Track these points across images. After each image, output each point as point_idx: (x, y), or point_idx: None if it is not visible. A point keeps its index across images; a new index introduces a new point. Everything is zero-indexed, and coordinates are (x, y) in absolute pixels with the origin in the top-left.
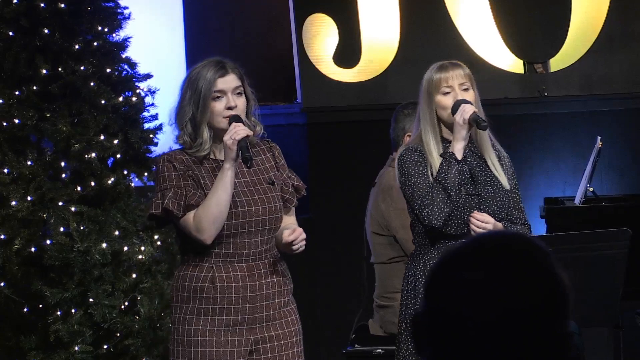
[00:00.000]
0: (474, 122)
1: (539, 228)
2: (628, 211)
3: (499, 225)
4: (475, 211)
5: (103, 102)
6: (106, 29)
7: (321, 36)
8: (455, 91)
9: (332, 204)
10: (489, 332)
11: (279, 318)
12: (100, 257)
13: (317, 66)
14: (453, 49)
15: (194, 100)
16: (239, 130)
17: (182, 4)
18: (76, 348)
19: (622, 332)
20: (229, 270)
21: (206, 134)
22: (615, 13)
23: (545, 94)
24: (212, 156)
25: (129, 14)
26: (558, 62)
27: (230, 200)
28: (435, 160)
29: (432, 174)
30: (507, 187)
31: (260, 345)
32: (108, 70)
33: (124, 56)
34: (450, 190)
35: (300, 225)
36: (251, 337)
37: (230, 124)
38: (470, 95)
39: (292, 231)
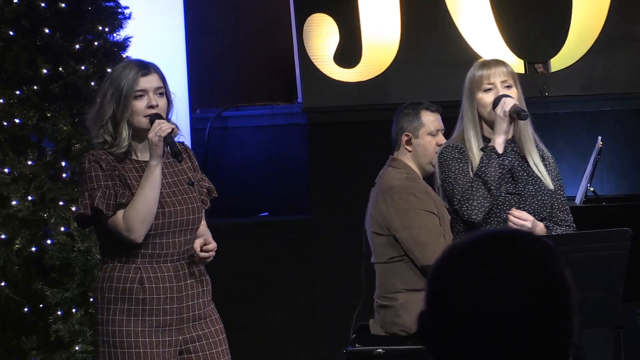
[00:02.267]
0: (514, 114)
1: None
2: (629, 211)
3: (540, 224)
4: (514, 208)
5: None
6: (107, 29)
7: (322, 36)
8: (497, 88)
9: (333, 204)
10: (494, 330)
11: (204, 317)
12: (101, 257)
13: (317, 66)
14: (454, 49)
15: (115, 99)
16: (163, 127)
17: (182, 4)
18: (77, 348)
19: (623, 333)
20: (156, 270)
21: (125, 132)
22: (615, 14)
23: (546, 94)
24: (134, 157)
25: (130, 14)
26: (558, 62)
27: (158, 198)
28: (476, 156)
29: (472, 171)
30: (551, 187)
31: (190, 345)
32: (109, 70)
33: (124, 56)
34: (490, 185)
35: (300, 225)
36: (180, 337)
37: (151, 122)
38: (513, 93)
39: (203, 242)
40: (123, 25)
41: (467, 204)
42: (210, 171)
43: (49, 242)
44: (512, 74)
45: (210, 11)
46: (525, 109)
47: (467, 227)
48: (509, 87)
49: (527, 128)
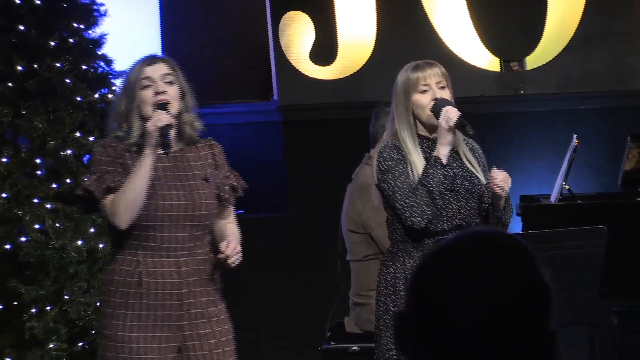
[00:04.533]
0: (459, 128)
1: (515, 226)
2: (604, 209)
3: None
4: (494, 168)
5: (79, 99)
6: (82, 26)
7: (298, 34)
8: (433, 90)
9: (309, 202)
10: (475, 329)
11: (208, 317)
12: (75, 254)
13: (293, 64)
14: (429, 47)
15: (125, 93)
16: (161, 118)
17: (158, 1)
18: (51, 345)
19: (598, 330)
20: (156, 265)
21: (136, 123)
22: (591, 11)
23: (522, 92)
24: None
25: (105, 11)
26: (535, 61)
27: (147, 187)
28: (415, 158)
29: (411, 172)
30: (484, 181)
31: (189, 343)
32: (84, 67)
33: (100, 53)
34: (435, 194)
35: (276, 223)
36: (179, 334)
37: (155, 111)
38: (446, 94)
39: (226, 244)
40: (98, 23)
41: (410, 211)
42: None
43: (23, 239)
44: (445, 75)
45: (186, 8)
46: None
47: (403, 224)
48: (442, 87)
49: None
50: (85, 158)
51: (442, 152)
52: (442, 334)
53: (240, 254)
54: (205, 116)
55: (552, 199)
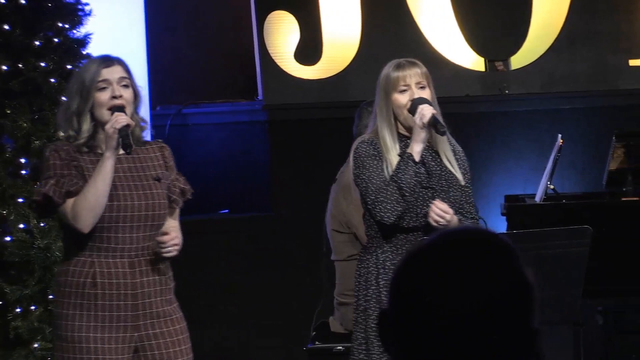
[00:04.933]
0: (432, 126)
1: (500, 225)
2: (589, 209)
3: (455, 218)
4: (438, 200)
5: (64, 98)
6: (67, 25)
7: (282, 33)
8: (412, 90)
9: (293, 201)
10: (457, 327)
11: (163, 316)
12: (60, 253)
13: (278, 63)
14: (414, 46)
15: (78, 92)
16: (120, 119)
17: (143, 1)
18: (36, 345)
19: (582, 330)
20: (110, 265)
21: (87, 124)
22: (576, 11)
23: (507, 91)
24: (99, 150)
25: (90, 11)
26: (519, 60)
27: (108, 190)
28: (391, 153)
29: (386, 169)
30: (462, 182)
31: (146, 342)
32: (69, 66)
33: (84, 53)
34: (405, 191)
35: (261, 222)
36: (135, 334)
37: (112, 114)
38: (426, 94)
39: (168, 233)
40: (83, 22)
41: (380, 206)
42: None
43: (8, 239)
44: (426, 75)
45: (171, 7)
46: (437, 108)
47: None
48: (422, 87)
49: None
50: None
51: (415, 149)
52: (424, 332)
53: (177, 248)
54: (191, 116)
55: (537, 199)
